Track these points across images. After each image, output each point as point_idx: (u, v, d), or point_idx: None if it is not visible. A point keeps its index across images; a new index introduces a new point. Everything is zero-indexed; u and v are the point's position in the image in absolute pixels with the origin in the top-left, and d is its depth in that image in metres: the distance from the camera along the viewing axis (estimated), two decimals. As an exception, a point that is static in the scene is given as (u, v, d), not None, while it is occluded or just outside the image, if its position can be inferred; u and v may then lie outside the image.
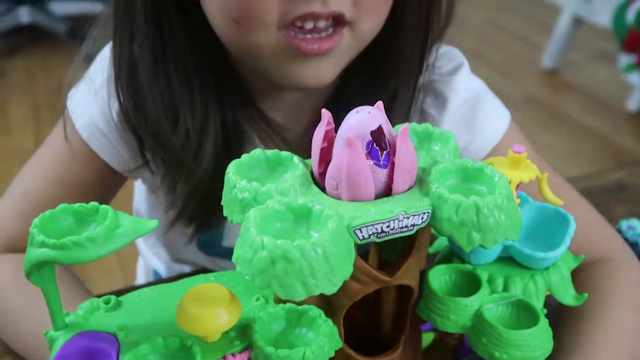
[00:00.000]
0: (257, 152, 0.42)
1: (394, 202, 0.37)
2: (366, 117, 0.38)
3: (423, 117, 0.67)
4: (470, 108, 0.67)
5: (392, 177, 0.38)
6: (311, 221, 0.36)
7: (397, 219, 0.37)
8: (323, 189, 0.40)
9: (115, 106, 0.61)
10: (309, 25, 0.53)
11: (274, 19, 0.52)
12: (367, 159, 0.37)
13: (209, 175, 0.62)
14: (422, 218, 0.38)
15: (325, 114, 0.40)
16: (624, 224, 0.67)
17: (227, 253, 0.72)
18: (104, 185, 0.67)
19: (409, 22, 0.60)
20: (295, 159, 0.41)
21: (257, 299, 0.42)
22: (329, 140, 0.40)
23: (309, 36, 0.53)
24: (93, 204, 0.38)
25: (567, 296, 0.45)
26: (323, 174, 0.40)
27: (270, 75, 0.58)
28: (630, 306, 0.56)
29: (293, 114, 0.66)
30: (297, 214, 0.37)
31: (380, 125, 0.37)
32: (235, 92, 0.63)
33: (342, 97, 0.64)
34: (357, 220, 0.36)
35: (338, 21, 0.54)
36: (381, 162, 0.37)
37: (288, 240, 0.33)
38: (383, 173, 0.38)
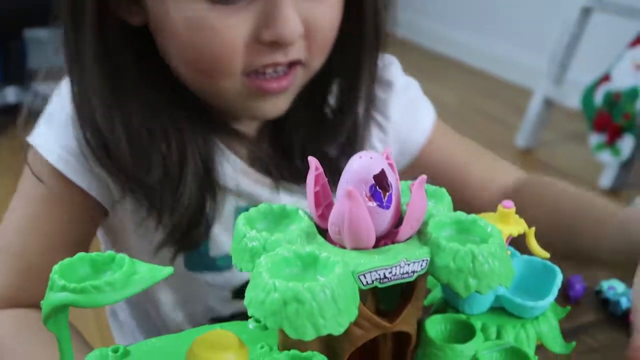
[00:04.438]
0: (264, 207, 0.44)
1: (395, 250, 0.40)
2: (368, 162, 0.40)
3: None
4: (411, 92, 0.78)
5: (396, 217, 0.41)
6: (318, 267, 0.39)
7: (399, 265, 0.39)
8: (325, 231, 0.42)
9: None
10: (270, 70, 0.60)
11: (239, 68, 0.59)
12: (371, 201, 0.40)
13: (193, 198, 0.63)
14: (422, 265, 0.40)
15: (313, 161, 0.42)
16: (605, 284, 0.69)
17: (215, 264, 0.71)
18: (84, 221, 0.66)
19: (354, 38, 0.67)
20: (301, 212, 0.44)
21: (262, 347, 0.43)
22: (321, 185, 0.43)
23: (268, 76, 0.60)
24: (110, 253, 0.40)
25: (556, 345, 0.47)
26: (322, 216, 0.43)
27: (233, 111, 0.65)
28: None
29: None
30: (305, 260, 0.39)
31: (382, 169, 0.40)
32: (205, 117, 0.66)
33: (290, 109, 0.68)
34: (362, 266, 0.39)
35: (294, 63, 0.61)
36: (384, 204, 0.40)
37: (298, 283, 0.36)
38: (386, 214, 0.40)
